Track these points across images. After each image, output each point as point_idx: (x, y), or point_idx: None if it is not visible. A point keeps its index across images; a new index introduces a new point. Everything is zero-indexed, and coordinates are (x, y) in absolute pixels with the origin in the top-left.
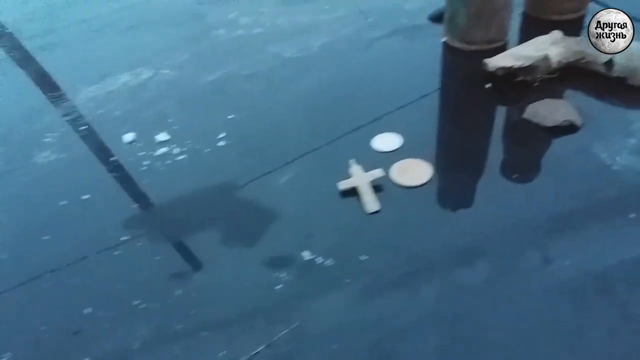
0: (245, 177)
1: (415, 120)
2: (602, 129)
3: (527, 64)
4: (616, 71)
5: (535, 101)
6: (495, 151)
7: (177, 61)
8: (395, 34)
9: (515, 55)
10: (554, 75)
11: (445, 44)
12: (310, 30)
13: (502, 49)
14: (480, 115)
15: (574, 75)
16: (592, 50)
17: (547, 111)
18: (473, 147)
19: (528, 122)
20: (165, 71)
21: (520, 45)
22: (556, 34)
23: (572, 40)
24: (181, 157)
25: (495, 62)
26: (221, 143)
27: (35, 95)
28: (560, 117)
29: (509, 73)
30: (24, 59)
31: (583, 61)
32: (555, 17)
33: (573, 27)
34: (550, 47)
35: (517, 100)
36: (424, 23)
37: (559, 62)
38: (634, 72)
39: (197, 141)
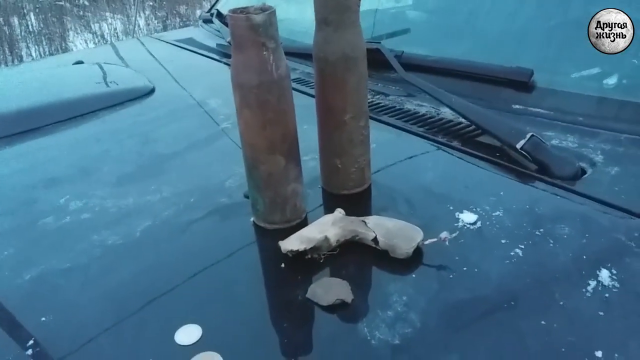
0: None
1: (215, 308)
2: (368, 303)
3: (310, 245)
4: (381, 246)
5: (317, 279)
6: (280, 332)
7: None
8: (212, 214)
9: (302, 238)
10: (335, 252)
11: (253, 223)
12: (135, 213)
13: (301, 225)
14: (272, 296)
15: (352, 251)
16: (363, 229)
17: (323, 291)
18: (261, 330)
19: (310, 302)
20: None
21: (308, 226)
22: (337, 214)
23: (348, 220)
24: None
25: (286, 245)
26: (28, 352)
27: None
28: (333, 296)
29: (300, 253)
30: None
31: (357, 238)
32: (345, 192)
33: (360, 200)
34: (330, 227)
35: (305, 279)
36: (240, 201)
37: (338, 240)
38: (394, 248)
39: (3, 355)
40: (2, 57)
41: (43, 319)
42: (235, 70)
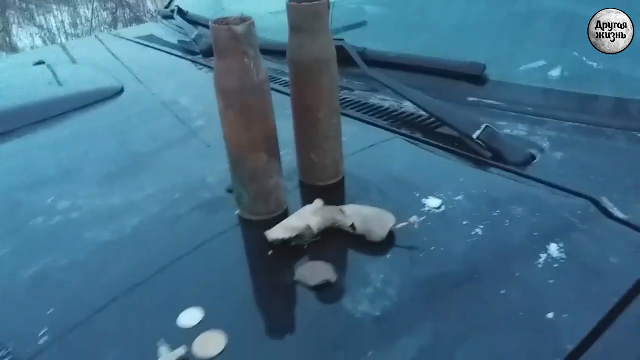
0: None
1: (213, 293)
2: (350, 282)
3: (294, 234)
4: (358, 231)
5: (303, 264)
6: (274, 312)
7: None
8: (197, 209)
9: (287, 227)
10: (318, 239)
11: (239, 216)
12: (124, 211)
13: (283, 216)
14: (263, 280)
15: (332, 237)
16: (341, 216)
17: (309, 273)
18: (257, 311)
19: (298, 283)
20: None
21: (291, 216)
22: (317, 204)
23: (327, 209)
24: None
25: (272, 234)
26: (41, 341)
27: None
28: (318, 277)
29: (285, 241)
30: None
31: (336, 225)
32: (321, 184)
33: (335, 190)
34: (311, 217)
35: (292, 264)
36: (223, 195)
37: (319, 228)
38: (370, 232)
39: (19, 343)
40: None
41: (50, 311)
42: (218, 76)
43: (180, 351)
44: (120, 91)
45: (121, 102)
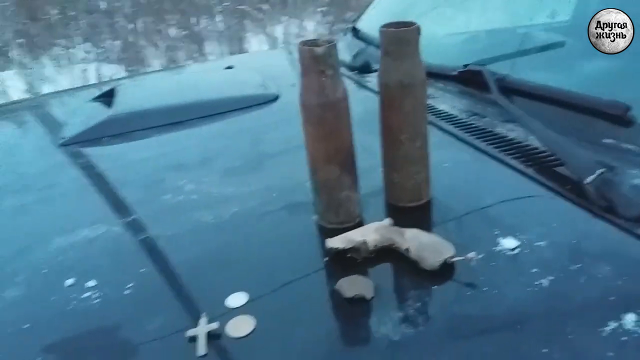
0: (124, 323)
1: (263, 282)
2: (384, 303)
3: (350, 246)
4: (411, 256)
5: (348, 275)
6: (306, 309)
7: (127, 220)
8: (284, 209)
9: (345, 239)
10: (372, 255)
11: (315, 222)
12: (230, 200)
13: (354, 227)
14: (308, 282)
15: (387, 256)
16: (399, 238)
17: (348, 285)
18: (292, 305)
19: (336, 292)
20: (115, 228)
21: (354, 230)
22: (385, 222)
23: (388, 229)
24: (96, 301)
25: (330, 242)
26: (127, 292)
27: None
28: (355, 291)
29: (341, 251)
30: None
31: (393, 246)
32: (401, 204)
33: (414, 213)
34: (372, 233)
35: (339, 274)
36: (311, 200)
37: (375, 246)
38: (423, 260)
39: (110, 289)
40: (188, 53)
41: (142, 270)
42: (301, 92)
43: (213, 326)
44: (275, 98)
45: (272, 108)
